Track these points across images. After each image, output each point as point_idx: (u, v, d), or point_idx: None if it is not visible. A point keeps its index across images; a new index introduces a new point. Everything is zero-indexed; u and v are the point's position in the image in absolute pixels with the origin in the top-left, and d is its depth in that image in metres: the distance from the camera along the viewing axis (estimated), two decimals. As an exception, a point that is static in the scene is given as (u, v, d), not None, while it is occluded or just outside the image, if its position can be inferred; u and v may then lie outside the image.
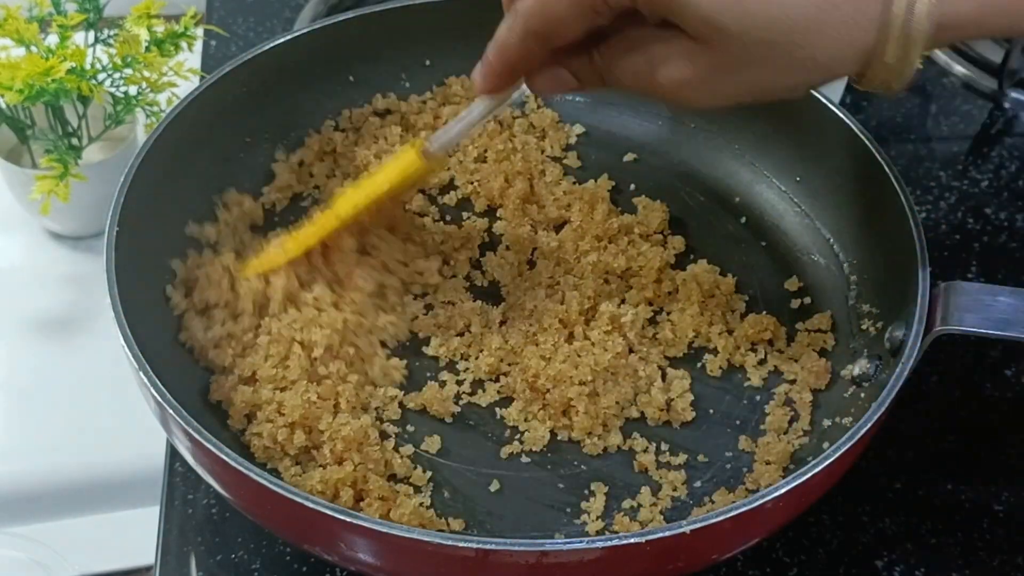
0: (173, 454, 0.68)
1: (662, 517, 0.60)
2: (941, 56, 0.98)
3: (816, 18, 0.49)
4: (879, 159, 0.67)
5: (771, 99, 0.53)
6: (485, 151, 0.78)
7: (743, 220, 0.76)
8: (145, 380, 0.55)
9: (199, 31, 0.86)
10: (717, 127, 0.78)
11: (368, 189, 0.68)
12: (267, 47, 0.74)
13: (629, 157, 0.80)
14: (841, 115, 0.70)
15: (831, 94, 0.77)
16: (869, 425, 0.55)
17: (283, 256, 0.67)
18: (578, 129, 0.81)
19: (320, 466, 0.61)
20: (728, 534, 0.53)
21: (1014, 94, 0.95)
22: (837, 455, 0.54)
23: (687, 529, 0.50)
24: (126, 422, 0.86)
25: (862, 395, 0.63)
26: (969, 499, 0.68)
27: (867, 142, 0.68)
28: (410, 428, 0.64)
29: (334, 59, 0.78)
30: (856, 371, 0.65)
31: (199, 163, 0.72)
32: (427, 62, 0.80)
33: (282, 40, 0.74)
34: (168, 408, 0.54)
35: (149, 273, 0.66)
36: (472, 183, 0.77)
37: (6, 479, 0.92)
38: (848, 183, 0.71)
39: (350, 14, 0.77)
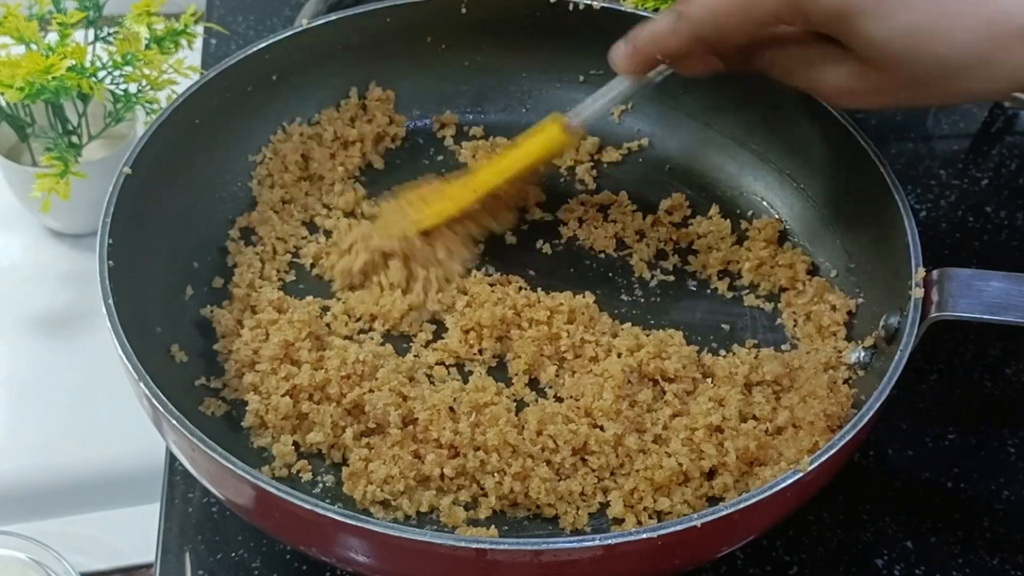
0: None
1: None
2: (941, 54, 0.98)
3: (987, 59, 0.51)
4: (867, 148, 0.67)
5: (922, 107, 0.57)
6: None
7: (740, 223, 0.76)
8: (145, 391, 0.55)
9: (199, 29, 0.86)
10: (716, 129, 0.78)
11: (508, 165, 0.70)
12: (251, 51, 0.73)
13: (618, 156, 0.80)
14: (835, 113, 0.70)
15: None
16: (873, 411, 0.55)
17: (413, 225, 0.70)
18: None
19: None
20: (738, 525, 0.54)
21: (1015, 93, 0.95)
22: (842, 443, 0.54)
23: (698, 523, 0.50)
24: (126, 419, 0.86)
25: (863, 397, 0.63)
26: (969, 497, 0.68)
27: (856, 134, 0.68)
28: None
29: (335, 57, 0.77)
30: (852, 362, 0.65)
31: (194, 163, 0.72)
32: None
33: (280, 37, 0.74)
34: (164, 412, 0.54)
35: (144, 276, 0.66)
36: None
37: (6, 477, 0.92)
38: (840, 177, 0.71)
39: (353, 11, 0.76)
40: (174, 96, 0.70)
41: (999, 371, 0.74)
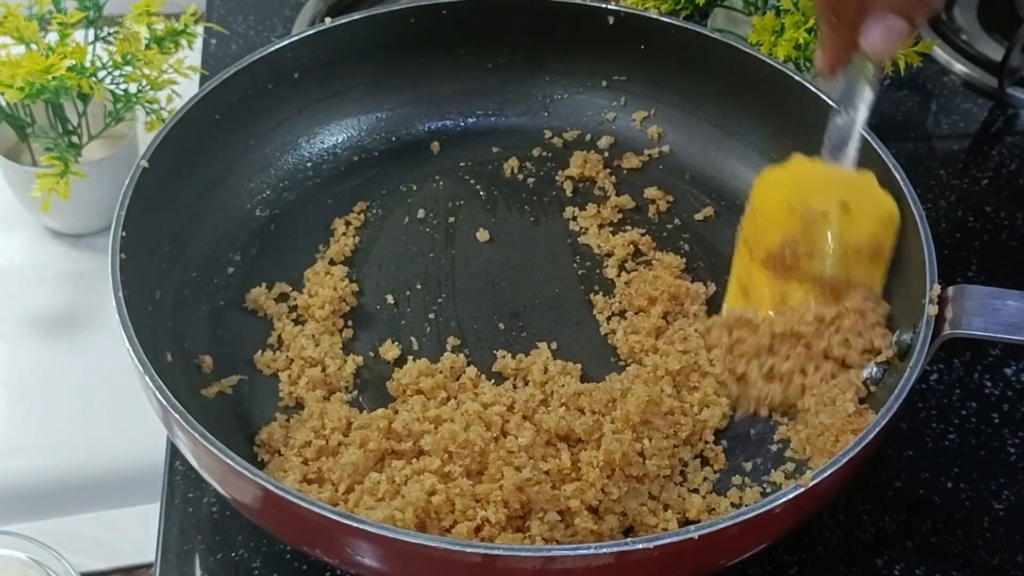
0: (174, 452, 0.68)
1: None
2: (942, 55, 0.98)
3: None
4: (889, 165, 0.67)
5: None
6: None
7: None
8: (151, 384, 0.55)
9: (199, 29, 0.86)
10: (737, 137, 0.78)
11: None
12: (273, 48, 0.73)
13: (638, 162, 0.80)
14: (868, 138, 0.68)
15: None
16: (877, 430, 0.55)
17: None
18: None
19: None
20: (736, 539, 0.53)
21: (1015, 92, 0.95)
22: (845, 460, 0.54)
23: (695, 535, 0.50)
24: (126, 419, 0.86)
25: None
26: (969, 498, 0.68)
27: (883, 155, 0.67)
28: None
29: (356, 56, 0.77)
30: (864, 375, 0.64)
31: (212, 158, 0.72)
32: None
33: (302, 35, 0.74)
34: (173, 412, 0.54)
35: (151, 276, 0.66)
36: None
37: (6, 477, 0.92)
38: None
39: (376, 11, 0.76)
40: (175, 96, 0.70)
41: (999, 372, 0.74)
